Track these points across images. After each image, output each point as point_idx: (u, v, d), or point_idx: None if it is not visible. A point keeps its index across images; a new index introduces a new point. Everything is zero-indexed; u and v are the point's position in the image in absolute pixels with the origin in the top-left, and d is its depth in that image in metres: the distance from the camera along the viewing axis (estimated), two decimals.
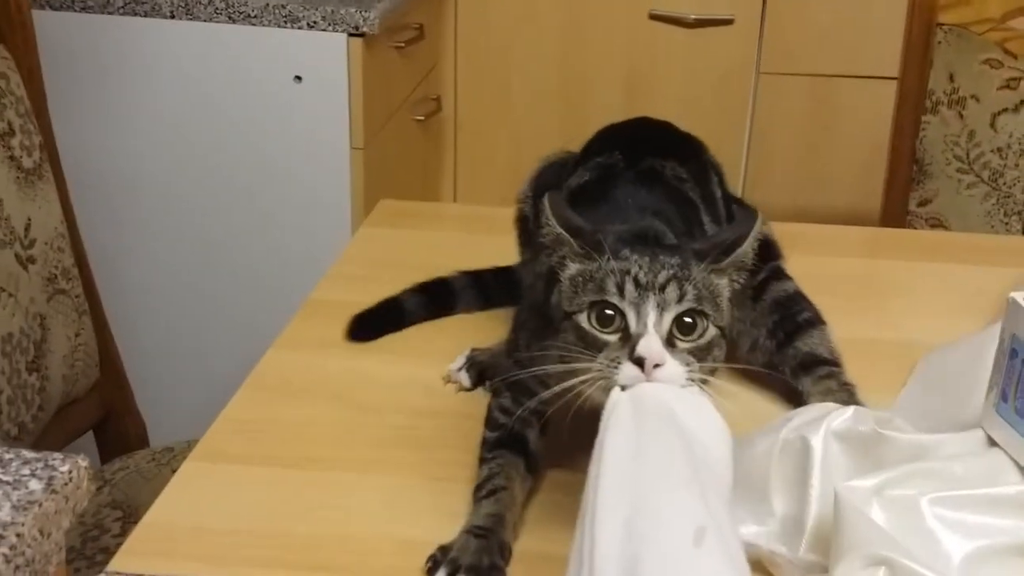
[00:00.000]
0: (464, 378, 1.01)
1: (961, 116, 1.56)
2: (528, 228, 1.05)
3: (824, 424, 0.79)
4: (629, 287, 0.74)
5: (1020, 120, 1.51)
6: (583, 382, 0.74)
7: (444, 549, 0.78)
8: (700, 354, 0.74)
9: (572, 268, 0.77)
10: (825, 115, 2.21)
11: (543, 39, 2.35)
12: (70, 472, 0.74)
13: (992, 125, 1.53)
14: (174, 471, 1.38)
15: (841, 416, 0.80)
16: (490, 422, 0.89)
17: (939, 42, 1.57)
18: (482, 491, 0.83)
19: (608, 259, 0.75)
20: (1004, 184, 1.57)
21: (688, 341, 0.74)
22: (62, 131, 1.40)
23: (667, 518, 0.64)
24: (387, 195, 1.51)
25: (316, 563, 0.78)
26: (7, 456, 0.76)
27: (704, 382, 0.74)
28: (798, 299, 1.01)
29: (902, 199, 1.64)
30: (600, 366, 0.73)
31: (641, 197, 0.89)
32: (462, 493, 0.85)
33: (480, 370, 1.01)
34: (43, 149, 1.32)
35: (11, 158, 1.26)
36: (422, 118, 2.19)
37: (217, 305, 1.89)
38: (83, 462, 0.75)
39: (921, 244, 1.43)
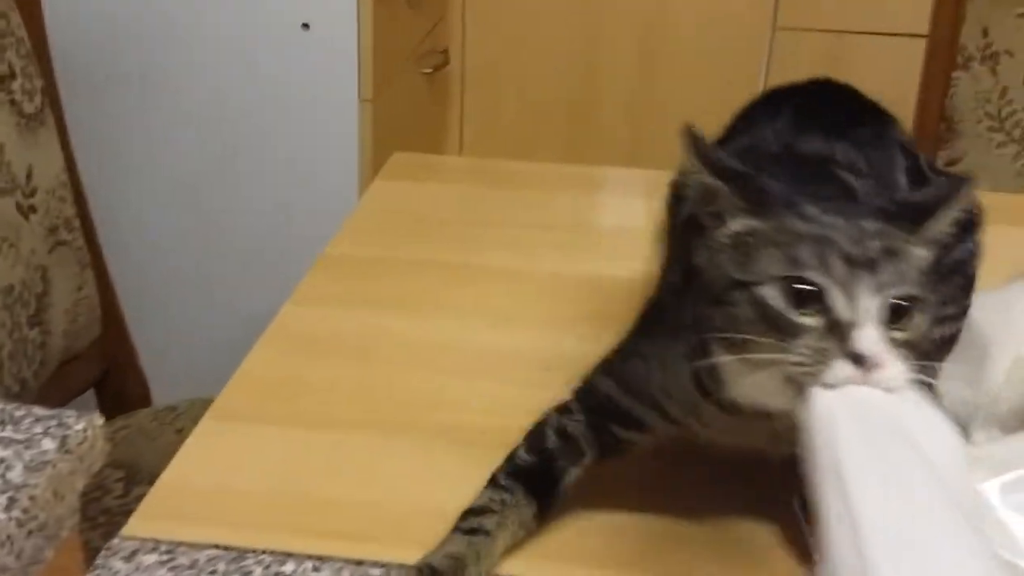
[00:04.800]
0: None
1: (994, 72, 1.51)
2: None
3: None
4: (835, 260, 0.58)
5: None
6: (772, 375, 0.58)
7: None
8: (912, 348, 0.59)
9: (736, 224, 0.62)
10: (844, 73, 2.15)
11: None
12: (85, 431, 0.69)
13: None
14: (178, 431, 1.35)
15: None
16: (531, 440, 0.74)
17: None
18: (464, 523, 0.70)
19: (793, 218, 0.60)
20: None
21: (902, 331, 0.59)
22: (62, 77, 1.34)
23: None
24: (395, 148, 1.46)
25: (341, 530, 0.74)
26: (18, 413, 0.71)
27: (924, 384, 0.59)
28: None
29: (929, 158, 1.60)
30: (801, 357, 0.57)
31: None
32: (491, 460, 0.81)
33: None
34: (44, 93, 1.27)
35: (12, 102, 1.21)
36: (429, 71, 2.13)
37: (222, 259, 1.85)
38: (98, 420, 0.70)
39: None
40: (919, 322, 0.59)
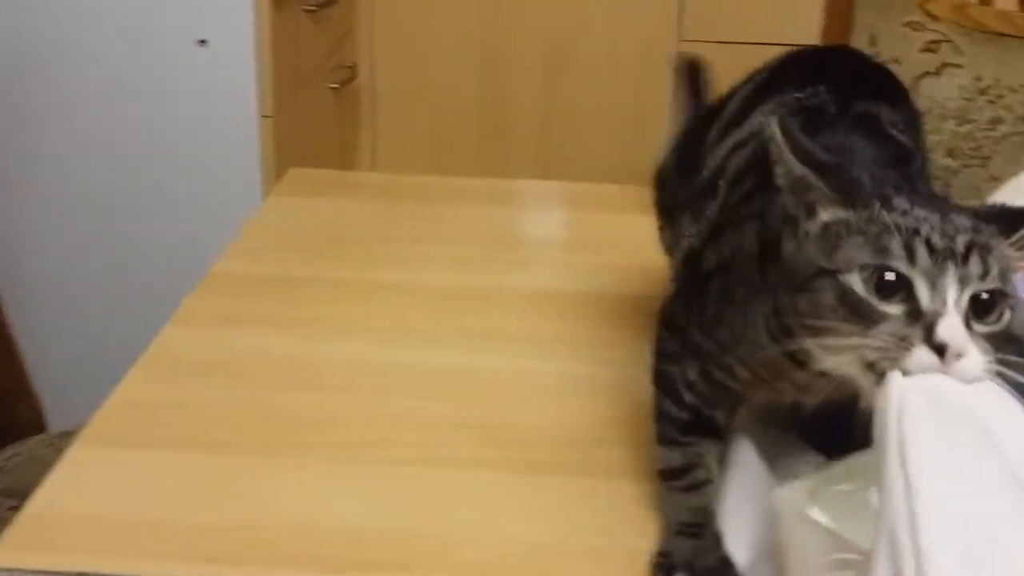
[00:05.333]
0: None
1: None
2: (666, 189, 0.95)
3: None
4: (921, 251, 0.59)
5: (942, 84, 1.50)
6: (850, 360, 0.59)
7: (664, 555, 0.72)
8: (995, 342, 0.59)
9: (826, 215, 0.63)
10: None
11: (462, 5, 2.29)
12: None
13: (914, 89, 1.52)
14: None
15: None
16: (673, 396, 0.76)
17: (860, 5, 1.55)
18: (681, 482, 0.75)
19: (883, 210, 0.61)
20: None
21: (985, 325, 0.59)
22: None
23: None
24: (301, 165, 1.45)
25: (218, 554, 0.73)
26: None
27: (1002, 377, 0.59)
28: None
29: None
30: (882, 343, 0.58)
31: (865, 154, 0.72)
32: (376, 475, 0.81)
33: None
34: None
35: None
36: (337, 86, 2.12)
37: (120, 280, 1.81)
38: None
39: None
40: (1003, 317, 0.60)
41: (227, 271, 1.10)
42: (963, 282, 0.59)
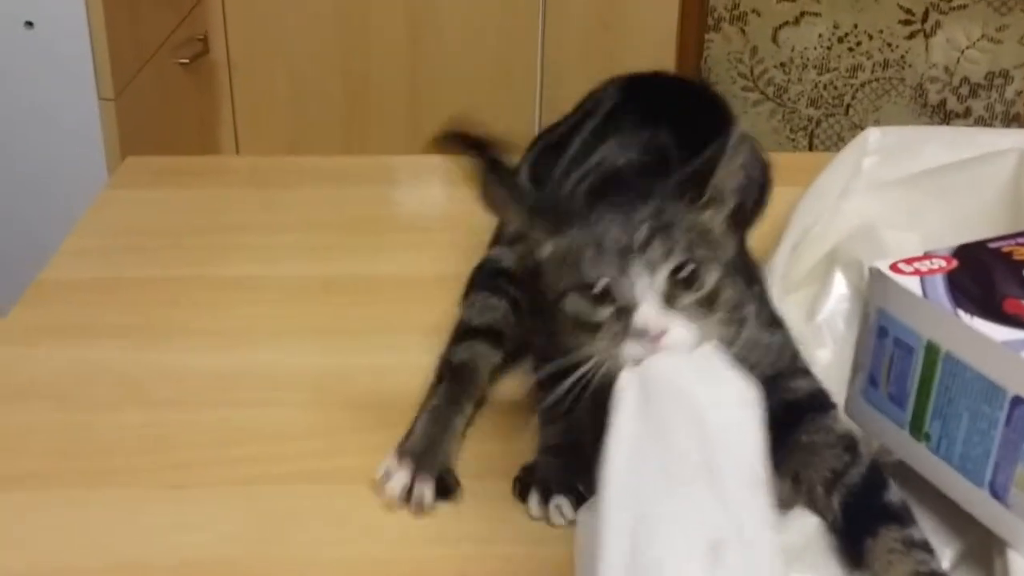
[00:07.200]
0: (426, 494, 0.75)
1: (743, 32, 1.52)
2: None
3: None
4: (609, 255, 0.64)
5: (801, 33, 1.48)
6: (588, 371, 0.64)
7: (527, 469, 0.75)
8: (709, 305, 0.64)
9: (547, 248, 0.68)
10: (613, 34, 2.16)
11: None
12: None
13: (774, 39, 1.49)
14: None
15: None
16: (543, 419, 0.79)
17: None
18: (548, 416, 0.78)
19: (580, 229, 0.66)
20: (788, 100, 1.53)
21: (690, 294, 0.64)
22: None
23: (674, 530, 0.55)
24: (154, 150, 1.36)
25: None
26: None
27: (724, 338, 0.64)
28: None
29: None
30: (601, 347, 0.64)
31: None
32: (215, 499, 0.74)
33: (444, 470, 0.77)
34: None
35: None
36: (187, 61, 2.02)
37: None
38: None
39: None
40: (707, 280, 0.64)
41: (53, 278, 1.02)
42: (650, 268, 0.63)
